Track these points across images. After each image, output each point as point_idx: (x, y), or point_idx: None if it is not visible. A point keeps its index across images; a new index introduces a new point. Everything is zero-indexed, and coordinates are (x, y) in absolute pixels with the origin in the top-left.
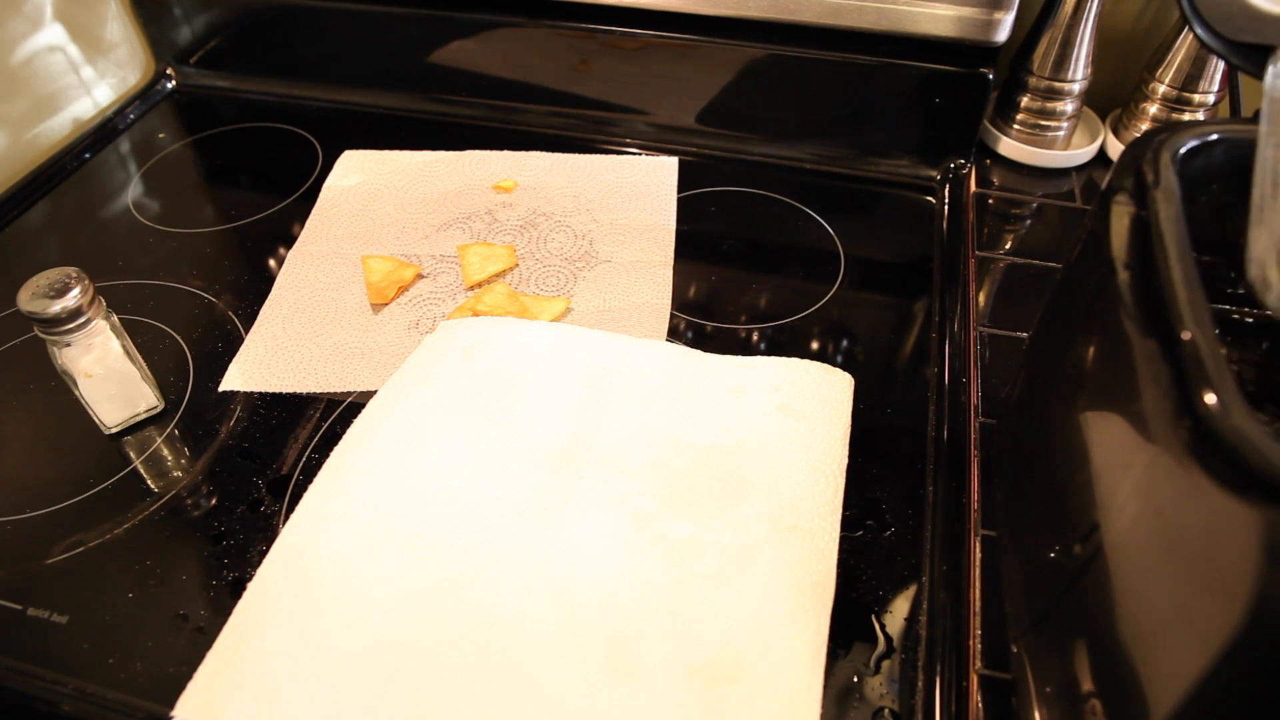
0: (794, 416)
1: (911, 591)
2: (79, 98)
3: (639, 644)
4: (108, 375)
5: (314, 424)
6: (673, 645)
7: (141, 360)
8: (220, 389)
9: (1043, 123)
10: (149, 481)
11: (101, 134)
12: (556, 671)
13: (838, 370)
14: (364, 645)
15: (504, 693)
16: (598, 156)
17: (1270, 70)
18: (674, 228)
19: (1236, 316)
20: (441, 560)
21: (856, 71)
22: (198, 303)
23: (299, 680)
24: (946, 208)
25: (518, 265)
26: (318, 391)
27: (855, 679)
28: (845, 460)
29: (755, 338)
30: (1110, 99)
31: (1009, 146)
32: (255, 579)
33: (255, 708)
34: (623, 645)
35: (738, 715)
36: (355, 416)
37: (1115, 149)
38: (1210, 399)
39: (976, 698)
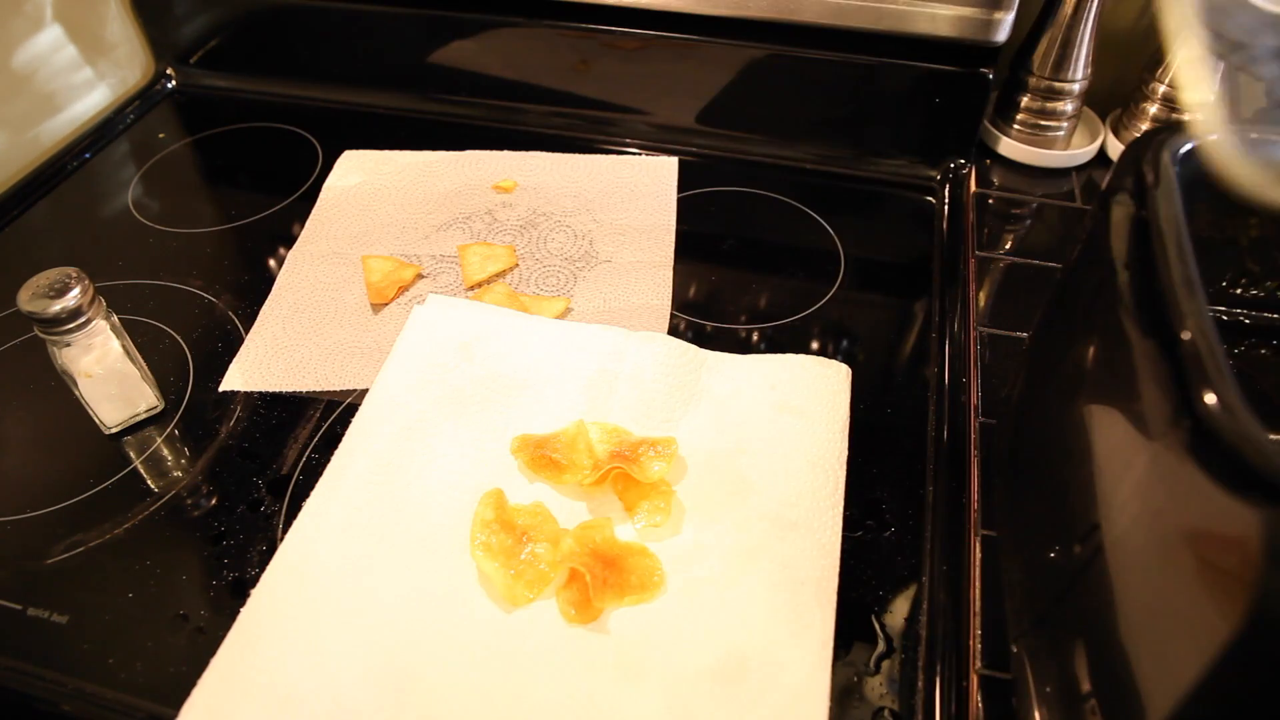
0: (791, 413)
1: (911, 591)
2: (79, 98)
3: (645, 649)
4: (108, 375)
5: (314, 424)
6: (680, 649)
7: (141, 360)
8: (220, 389)
9: (1043, 123)
10: (149, 481)
11: (101, 134)
12: (563, 676)
13: (833, 361)
14: (369, 654)
15: (511, 697)
16: (598, 156)
17: None
18: (674, 228)
19: (1244, 319)
20: (444, 567)
21: (856, 71)
22: (198, 303)
23: (305, 690)
24: (946, 208)
25: (518, 265)
26: (318, 391)
27: (855, 679)
28: (845, 452)
29: (755, 338)
30: (1110, 99)
31: (1009, 146)
32: (258, 588)
33: (262, 717)
34: (629, 649)
35: (747, 713)
36: (355, 416)
37: (1115, 149)
38: (1210, 399)
39: (976, 698)
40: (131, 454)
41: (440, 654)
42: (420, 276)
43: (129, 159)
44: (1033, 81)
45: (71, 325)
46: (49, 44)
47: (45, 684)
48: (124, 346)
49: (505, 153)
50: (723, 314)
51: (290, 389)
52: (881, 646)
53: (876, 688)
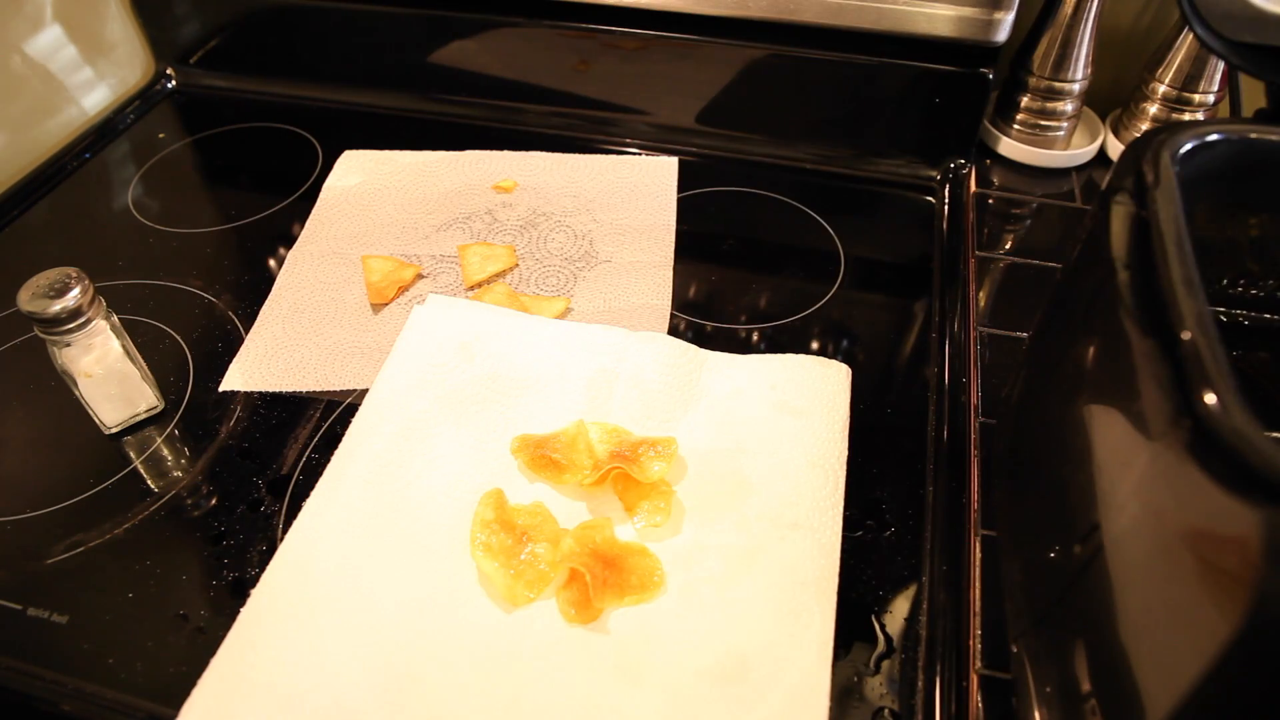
0: (791, 413)
1: (911, 591)
2: (79, 98)
3: (645, 649)
4: (108, 375)
5: (314, 424)
6: (679, 649)
7: (141, 360)
8: (220, 389)
9: (1043, 123)
10: (149, 481)
11: (101, 134)
12: (563, 676)
13: (833, 361)
14: (369, 654)
15: (511, 697)
16: (598, 156)
17: None
18: (674, 228)
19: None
20: (445, 567)
21: (856, 71)
22: (198, 303)
23: (305, 690)
24: (946, 208)
25: (518, 265)
26: (318, 391)
27: (855, 679)
28: (845, 452)
29: (755, 338)
30: (1110, 99)
31: (1009, 146)
32: (257, 589)
33: (262, 717)
34: (629, 649)
35: (747, 713)
36: (355, 416)
37: (1115, 149)
38: (1210, 399)
39: (976, 698)
40: (131, 454)
41: (440, 654)
42: (420, 276)
43: (129, 159)
44: (1033, 81)
45: (71, 325)
46: (49, 44)
47: (45, 684)
48: (124, 346)
49: (505, 153)
50: (723, 314)
51: (290, 389)
52: (881, 646)
53: (876, 688)
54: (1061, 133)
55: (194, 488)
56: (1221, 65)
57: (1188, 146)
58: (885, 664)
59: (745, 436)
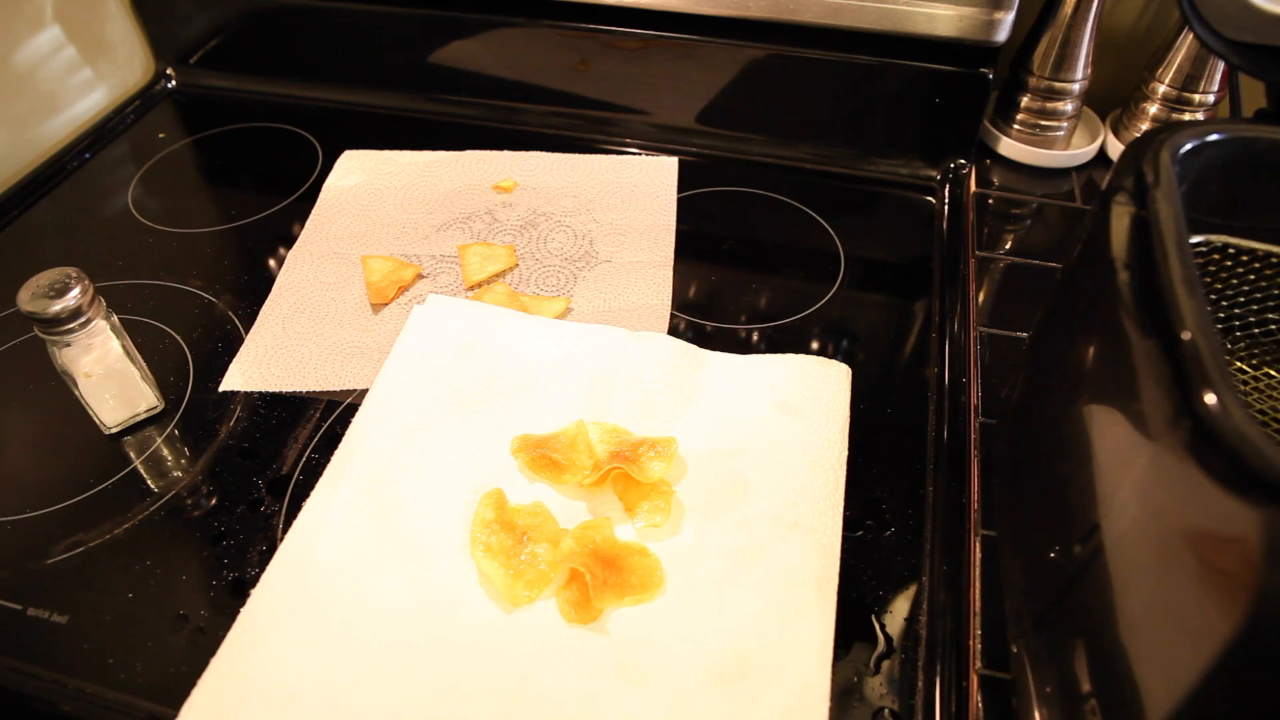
0: (791, 413)
1: (911, 591)
2: (79, 98)
3: (645, 649)
4: (108, 375)
5: (314, 424)
6: (679, 649)
7: (141, 360)
8: (220, 389)
9: (1043, 123)
10: (149, 481)
11: (101, 134)
12: (564, 676)
13: (833, 361)
14: (369, 654)
15: (511, 698)
16: (598, 156)
17: None
18: (674, 228)
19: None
20: (445, 567)
21: (856, 71)
22: (198, 303)
23: (306, 690)
24: (946, 208)
25: (518, 265)
26: (318, 391)
27: (855, 679)
28: (845, 452)
29: (755, 338)
30: (1110, 99)
31: (1009, 146)
32: (258, 588)
33: (262, 717)
34: (629, 650)
35: (747, 713)
36: (355, 416)
37: (1115, 149)
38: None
39: (976, 698)
40: (131, 454)
41: (440, 654)
42: (420, 276)
43: (129, 159)
44: (1033, 81)
45: (71, 325)
46: (49, 44)
47: (45, 684)
48: (124, 346)
49: (505, 153)
50: (723, 314)
51: (290, 389)
52: (881, 646)
53: (876, 688)
54: (1061, 133)
55: (194, 488)
56: (1221, 65)
57: (1188, 146)
58: (885, 664)
59: (745, 436)
